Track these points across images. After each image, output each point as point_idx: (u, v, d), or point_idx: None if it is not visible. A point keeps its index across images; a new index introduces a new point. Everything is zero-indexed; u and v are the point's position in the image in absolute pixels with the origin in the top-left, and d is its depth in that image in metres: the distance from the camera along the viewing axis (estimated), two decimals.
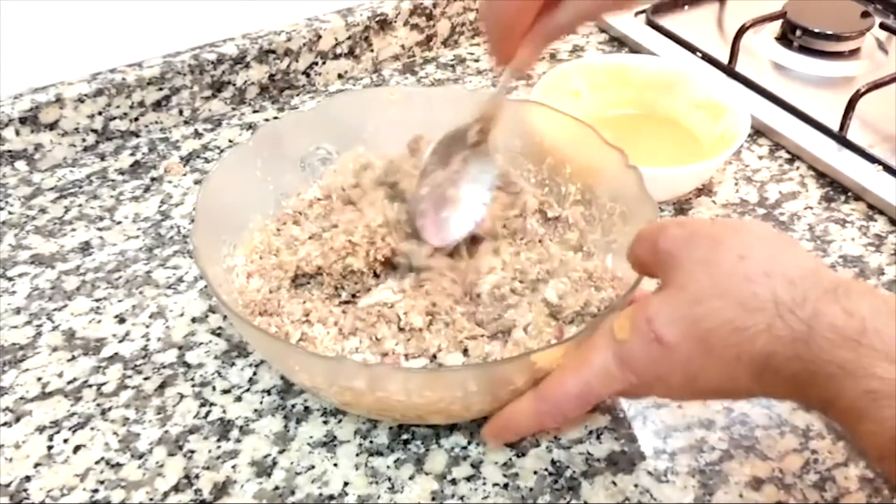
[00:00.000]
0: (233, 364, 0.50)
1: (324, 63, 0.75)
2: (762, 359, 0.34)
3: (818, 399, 0.34)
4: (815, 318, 0.33)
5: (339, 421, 0.47)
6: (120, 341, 0.52)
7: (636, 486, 0.44)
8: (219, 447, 0.46)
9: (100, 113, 0.67)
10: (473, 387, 0.41)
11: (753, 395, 0.42)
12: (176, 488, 0.44)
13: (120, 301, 0.55)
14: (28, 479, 0.44)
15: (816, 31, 0.76)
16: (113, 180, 0.65)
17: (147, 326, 0.53)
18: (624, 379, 0.38)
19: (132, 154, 0.68)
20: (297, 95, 0.75)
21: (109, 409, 0.48)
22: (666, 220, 0.41)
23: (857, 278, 0.56)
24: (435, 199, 0.50)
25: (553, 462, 0.45)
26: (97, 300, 0.55)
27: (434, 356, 0.46)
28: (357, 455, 0.45)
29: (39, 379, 0.49)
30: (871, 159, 0.63)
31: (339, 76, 0.77)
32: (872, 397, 0.31)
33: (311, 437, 0.46)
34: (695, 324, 0.36)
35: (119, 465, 0.45)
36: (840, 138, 0.66)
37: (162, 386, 0.49)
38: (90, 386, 0.49)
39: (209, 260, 0.46)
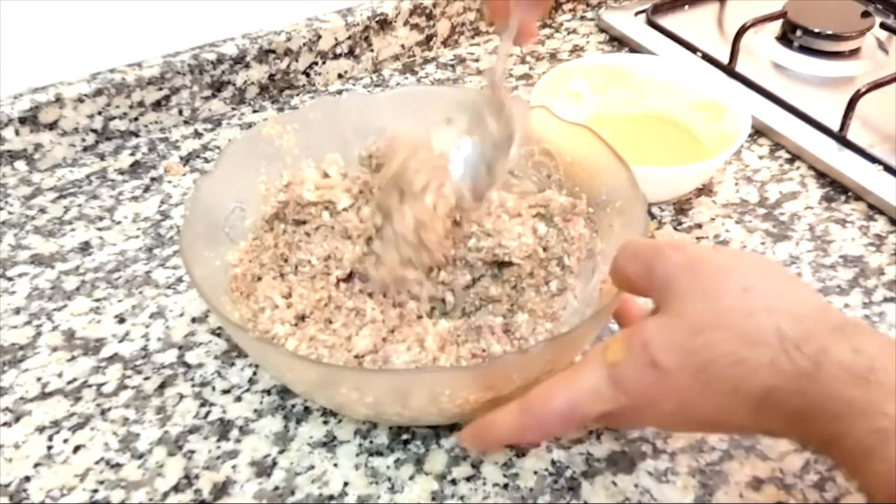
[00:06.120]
0: (232, 364, 0.50)
1: (324, 63, 0.75)
2: (761, 393, 0.34)
3: (820, 437, 0.33)
4: (822, 355, 0.33)
5: (339, 421, 0.47)
6: (120, 341, 0.52)
7: (636, 486, 0.44)
8: (219, 447, 0.46)
9: (99, 113, 0.67)
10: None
11: (746, 431, 0.42)
12: (176, 488, 0.44)
13: (120, 301, 0.55)
14: (28, 479, 0.44)
15: (816, 31, 0.76)
16: (113, 180, 0.65)
17: (147, 326, 0.53)
18: (614, 400, 0.37)
19: (132, 154, 0.68)
20: (297, 95, 0.75)
21: (109, 409, 0.48)
22: (660, 242, 0.40)
23: (857, 278, 0.56)
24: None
25: (553, 462, 0.45)
26: (97, 300, 0.55)
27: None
28: (357, 455, 0.45)
29: (39, 379, 0.49)
30: (872, 159, 0.63)
31: (339, 76, 0.77)
32: (882, 436, 0.30)
33: (311, 437, 0.46)
34: (694, 353, 0.35)
35: (119, 465, 0.45)
36: (840, 138, 0.65)
37: (162, 386, 0.49)
38: (90, 386, 0.49)
39: (197, 259, 0.46)
